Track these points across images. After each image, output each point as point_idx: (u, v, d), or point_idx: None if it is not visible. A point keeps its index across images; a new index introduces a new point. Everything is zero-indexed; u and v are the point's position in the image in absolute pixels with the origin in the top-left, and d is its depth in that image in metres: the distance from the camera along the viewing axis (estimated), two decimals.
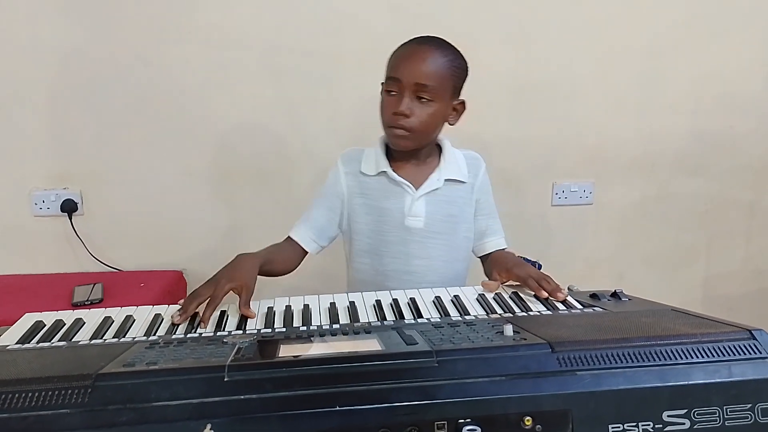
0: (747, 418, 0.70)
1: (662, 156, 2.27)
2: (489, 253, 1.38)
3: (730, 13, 2.16)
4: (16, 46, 1.92)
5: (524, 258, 2.24)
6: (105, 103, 1.99)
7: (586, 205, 2.29)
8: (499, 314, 0.98)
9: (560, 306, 1.01)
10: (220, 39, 1.98)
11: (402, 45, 1.27)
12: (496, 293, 1.09)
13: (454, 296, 1.07)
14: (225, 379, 0.68)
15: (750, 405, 0.70)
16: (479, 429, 0.65)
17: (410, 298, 1.06)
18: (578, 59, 2.14)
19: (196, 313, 1.00)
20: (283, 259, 1.29)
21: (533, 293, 1.06)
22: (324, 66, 2.04)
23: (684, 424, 0.69)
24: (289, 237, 1.34)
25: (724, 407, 0.69)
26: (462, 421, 0.66)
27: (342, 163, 1.36)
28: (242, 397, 0.66)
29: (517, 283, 1.13)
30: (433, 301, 1.05)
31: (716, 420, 0.69)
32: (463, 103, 1.32)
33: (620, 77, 2.18)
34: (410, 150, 1.30)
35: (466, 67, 1.31)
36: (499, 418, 0.67)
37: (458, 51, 1.28)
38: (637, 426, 0.68)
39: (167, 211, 2.10)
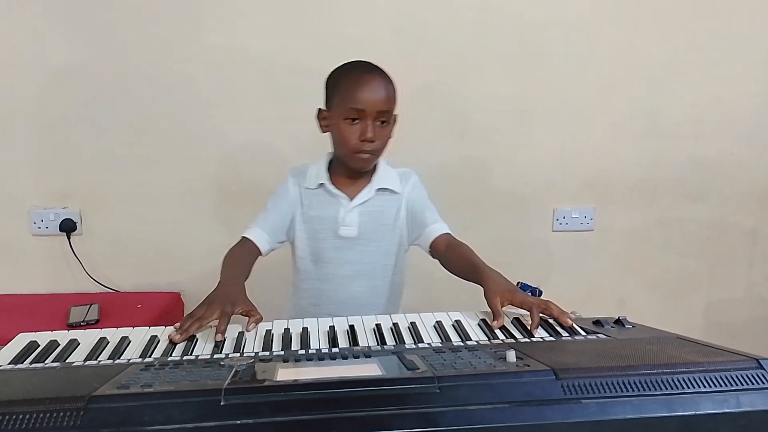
0: None
1: (664, 181, 2.27)
2: (435, 240, 1.41)
3: (730, 39, 2.17)
4: (18, 62, 1.93)
5: (524, 284, 2.23)
6: (107, 121, 1.99)
7: (587, 231, 2.28)
8: (501, 340, 0.96)
9: (563, 332, 0.99)
10: (223, 58, 1.99)
11: (348, 73, 1.35)
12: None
13: (456, 321, 1.05)
14: (221, 403, 0.66)
15: None
16: None
17: (411, 323, 1.04)
18: (579, 84, 2.14)
19: (193, 336, 0.99)
20: (248, 267, 1.33)
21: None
22: None
23: None
24: (243, 237, 1.39)
25: None
26: None
27: (291, 176, 1.46)
28: (239, 422, 0.65)
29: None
30: (434, 326, 1.03)
31: None
32: (396, 115, 1.40)
33: (621, 103, 2.18)
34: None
35: None
36: None
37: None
38: None
39: (166, 231, 2.09)
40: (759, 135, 2.27)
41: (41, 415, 0.64)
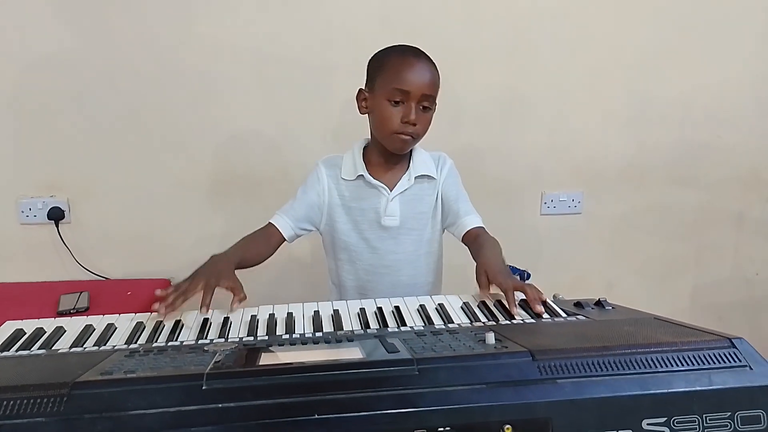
0: (727, 426, 0.69)
1: (651, 166, 2.28)
2: (468, 232, 1.42)
3: (717, 25, 2.17)
4: (6, 52, 1.92)
5: (512, 267, 2.24)
6: (95, 111, 1.98)
7: (575, 214, 2.29)
8: (483, 322, 0.98)
9: (543, 314, 1.01)
10: (213, 50, 1.98)
11: (395, 54, 1.35)
12: (480, 301, 1.09)
13: (439, 304, 1.07)
14: (203, 388, 0.67)
15: (729, 413, 0.70)
16: None
17: (395, 306, 1.05)
18: (568, 71, 2.15)
19: (179, 321, 1.00)
20: (256, 252, 1.35)
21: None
22: (316, 77, 2.04)
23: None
24: (269, 223, 1.40)
25: (704, 415, 0.69)
26: (442, 429, 0.66)
27: (325, 167, 1.45)
28: (220, 405, 0.66)
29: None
30: (418, 309, 1.05)
31: (696, 428, 0.69)
32: (437, 104, 1.40)
33: (610, 88, 2.19)
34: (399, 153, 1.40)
35: None
36: (479, 426, 0.67)
37: None
38: None
39: (156, 219, 2.09)
40: (745, 120, 2.28)
41: (26, 401, 0.65)
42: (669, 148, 2.28)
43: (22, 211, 2.02)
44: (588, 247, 2.34)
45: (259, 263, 1.36)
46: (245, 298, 1.08)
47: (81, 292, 1.85)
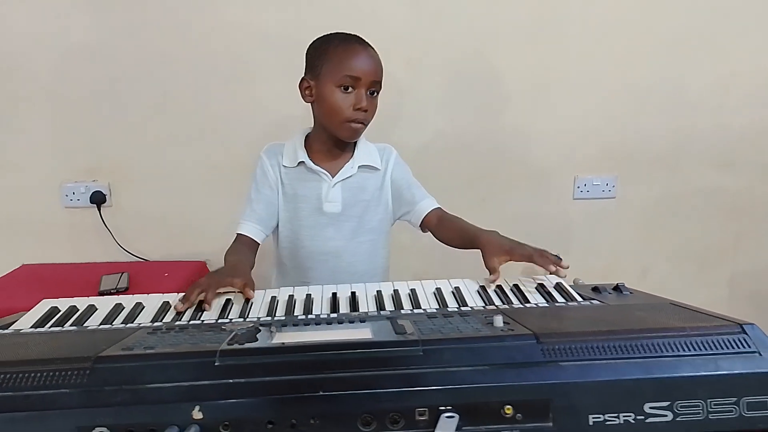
0: (732, 411, 0.69)
1: (688, 151, 2.23)
2: (428, 216, 1.44)
3: (755, 6, 2.10)
4: (47, 43, 2.00)
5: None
6: (131, 98, 2.05)
7: (608, 198, 2.26)
8: (496, 306, 0.99)
9: (559, 298, 1.01)
10: (243, 37, 2.02)
11: (340, 42, 1.34)
12: (497, 285, 1.10)
13: (455, 287, 1.08)
14: (216, 364, 0.70)
15: (735, 399, 0.69)
16: (458, 416, 0.67)
17: (411, 289, 1.07)
18: (600, 53, 2.11)
19: (202, 302, 1.03)
20: (249, 259, 1.35)
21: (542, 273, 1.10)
22: None
23: (666, 416, 0.69)
24: (238, 235, 1.41)
25: (708, 400, 0.69)
26: (444, 408, 0.68)
27: (267, 157, 1.46)
28: (231, 380, 0.69)
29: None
30: (434, 293, 1.06)
31: (700, 413, 0.69)
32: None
33: (644, 72, 2.14)
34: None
35: None
36: (480, 406, 0.68)
37: None
38: (618, 417, 0.68)
39: (192, 203, 2.16)
40: None
41: (52, 373, 0.69)
42: (706, 132, 2.22)
43: (66, 195, 2.11)
44: (622, 232, 2.31)
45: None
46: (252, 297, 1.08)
47: (122, 273, 1.92)
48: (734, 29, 2.12)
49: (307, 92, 1.38)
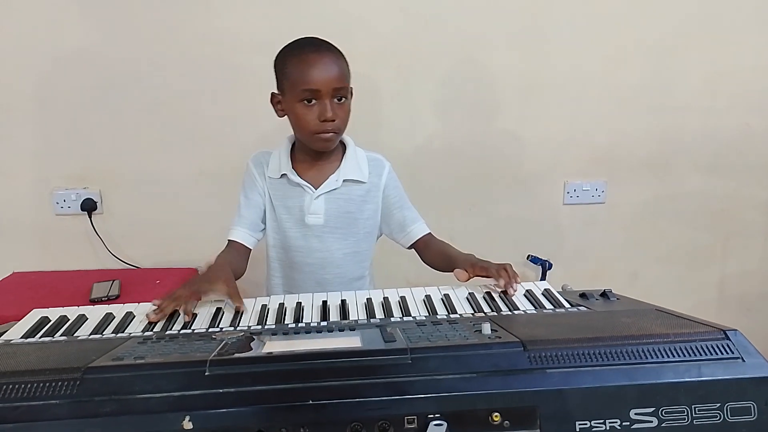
0: (716, 417, 0.70)
1: (676, 154, 2.25)
2: (417, 241, 1.45)
3: (742, 8, 2.12)
4: (38, 49, 1.99)
5: (534, 257, 2.25)
6: (122, 105, 2.05)
7: (598, 204, 2.28)
8: (485, 313, 1.00)
9: (547, 305, 1.02)
10: (232, 42, 2.02)
11: (295, 54, 1.30)
12: (485, 293, 1.11)
13: (445, 295, 1.09)
14: (206, 374, 0.71)
15: (719, 404, 0.71)
16: (447, 424, 0.68)
17: (401, 296, 1.08)
18: (588, 57, 2.13)
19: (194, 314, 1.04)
20: (237, 266, 1.34)
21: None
22: None
23: (651, 422, 0.70)
24: (229, 241, 1.41)
25: (693, 406, 0.70)
26: (432, 416, 0.68)
27: (254, 166, 1.45)
28: (221, 390, 0.69)
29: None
30: (423, 300, 1.07)
31: (684, 418, 0.70)
32: (352, 88, 1.37)
33: (632, 75, 2.16)
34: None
35: None
36: (468, 414, 0.69)
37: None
38: (604, 423, 0.69)
39: (183, 210, 2.16)
40: None
41: (41, 384, 0.70)
42: (694, 135, 2.24)
43: (57, 203, 2.11)
44: (611, 236, 2.32)
45: (239, 278, 1.35)
46: (240, 308, 1.08)
47: (113, 281, 1.91)
48: (721, 33, 2.14)
49: (278, 107, 1.36)
